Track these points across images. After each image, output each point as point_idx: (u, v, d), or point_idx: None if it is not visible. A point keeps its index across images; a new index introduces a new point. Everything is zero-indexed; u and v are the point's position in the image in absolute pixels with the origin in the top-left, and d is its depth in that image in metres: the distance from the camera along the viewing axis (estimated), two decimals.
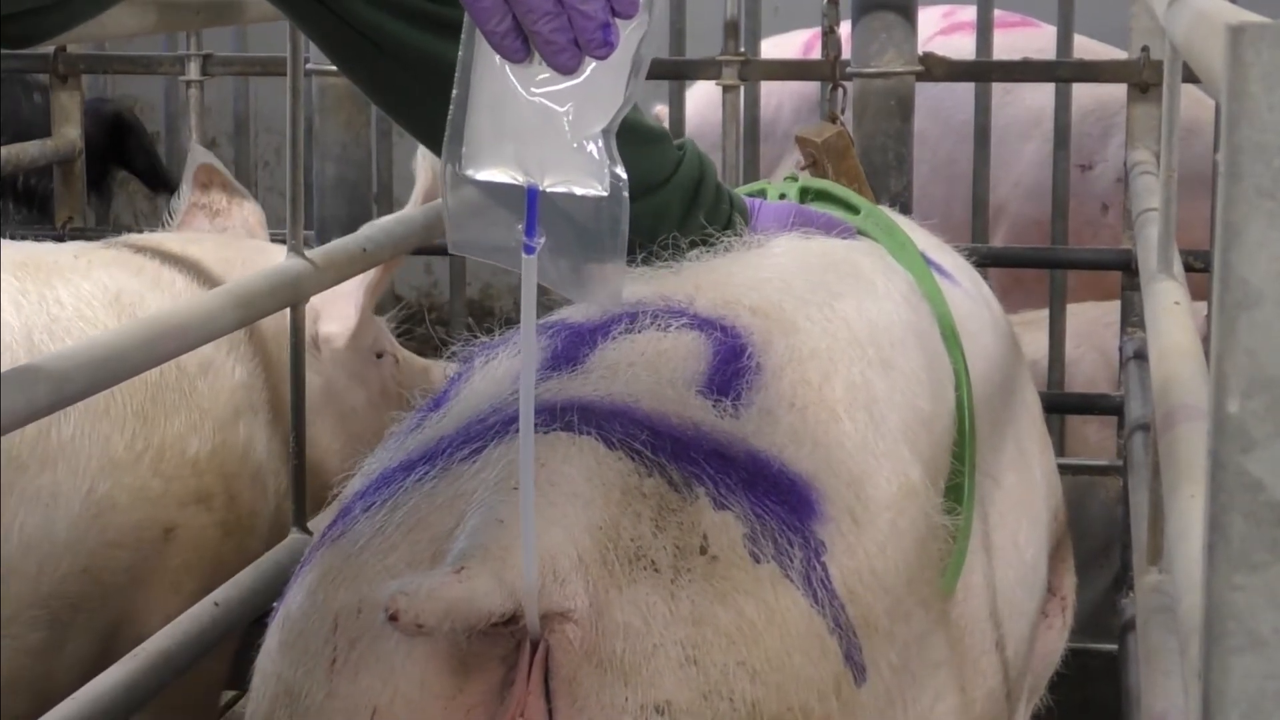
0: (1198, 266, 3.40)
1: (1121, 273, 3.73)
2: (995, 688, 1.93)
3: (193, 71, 4.02)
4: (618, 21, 1.38)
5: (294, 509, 2.65)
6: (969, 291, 2.26)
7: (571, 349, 1.68)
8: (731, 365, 1.66)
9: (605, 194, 1.38)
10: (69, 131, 4.11)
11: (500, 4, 1.37)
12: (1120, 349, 3.74)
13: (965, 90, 4.22)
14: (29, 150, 4.07)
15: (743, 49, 3.83)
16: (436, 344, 3.11)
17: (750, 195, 2.26)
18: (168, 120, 4.72)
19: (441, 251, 4.15)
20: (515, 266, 1.38)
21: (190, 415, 2.69)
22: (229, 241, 3.07)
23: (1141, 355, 3.35)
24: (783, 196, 2.27)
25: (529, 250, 1.37)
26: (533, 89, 1.39)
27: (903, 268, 2.09)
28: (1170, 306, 1.95)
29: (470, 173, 1.40)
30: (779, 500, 1.51)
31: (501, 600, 1.33)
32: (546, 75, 1.39)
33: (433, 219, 3.03)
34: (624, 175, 1.38)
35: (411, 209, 3.01)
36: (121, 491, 2.61)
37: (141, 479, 2.64)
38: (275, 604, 1.60)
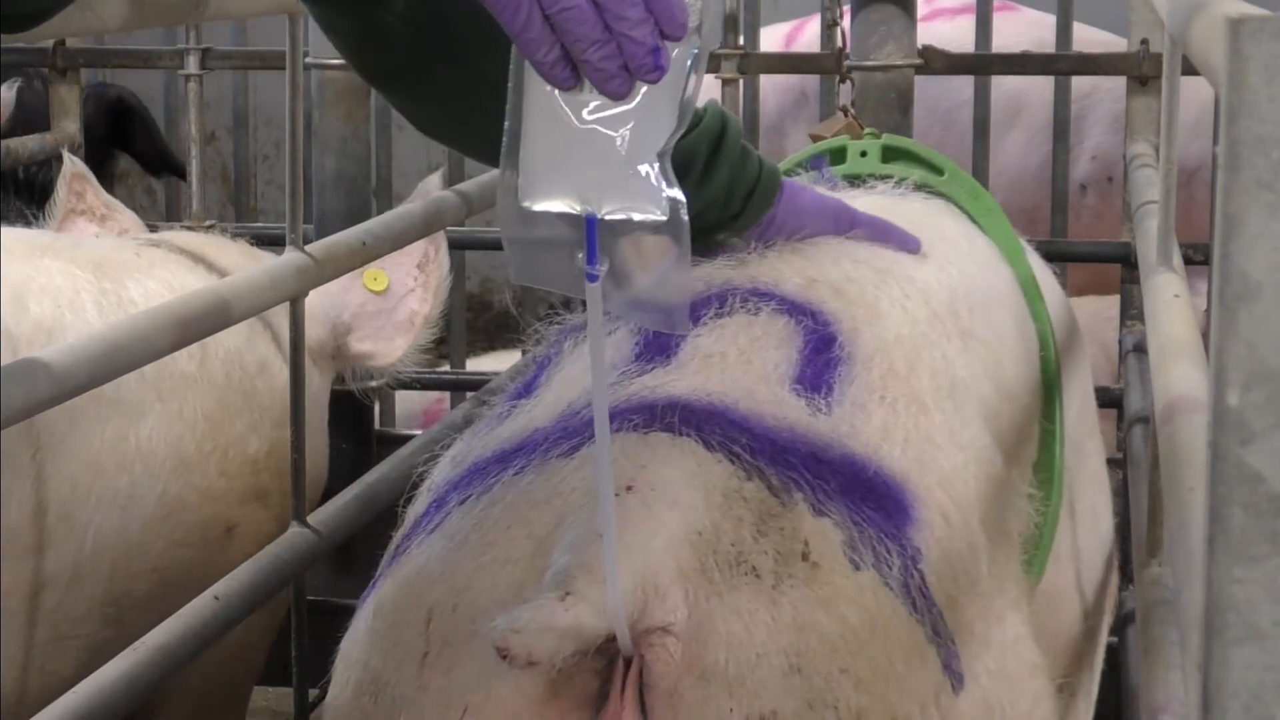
0: (1197, 259, 3.41)
1: (1120, 265, 3.73)
2: (1082, 654, 1.92)
3: (192, 65, 4.01)
4: (667, 44, 1.37)
5: (293, 503, 2.66)
6: (1039, 262, 2.25)
7: (663, 337, 1.66)
8: (822, 355, 1.65)
9: (664, 218, 1.36)
10: (68, 125, 4.11)
11: (548, 34, 1.35)
12: (1120, 342, 3.74)
13: (951, 77, 4.21)
14: (28, 144, 4.07)
15: (742, 42, 3.83)
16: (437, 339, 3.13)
17: (831, 151, 2.23)
18: (167, 114, 4.72)
19: None
20: (579, 294, 1.38)
21: (251, 415, 2.76)
22: (249, 250, 3.10)
23: (1141, 348, 3.35)
24: (864, 154, 2.25)
25: (592, 278, 1.36)
26: (585, 116, 1.38)
27: (986, 231, 2.07)
28: (1170, 299, 1.95)
29: (528, 204, 1.39)
30: (876, 507, 1.49)
31: (608, 624, 1.32)
32: (598, 102, 1.37)
33: (431, 213, 3.03)
34: (681, 198, 1.37)
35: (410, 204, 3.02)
36: (191, 492, 2.69)
37: (209, 479, 2.71)
38: (362, 595, 1.58)
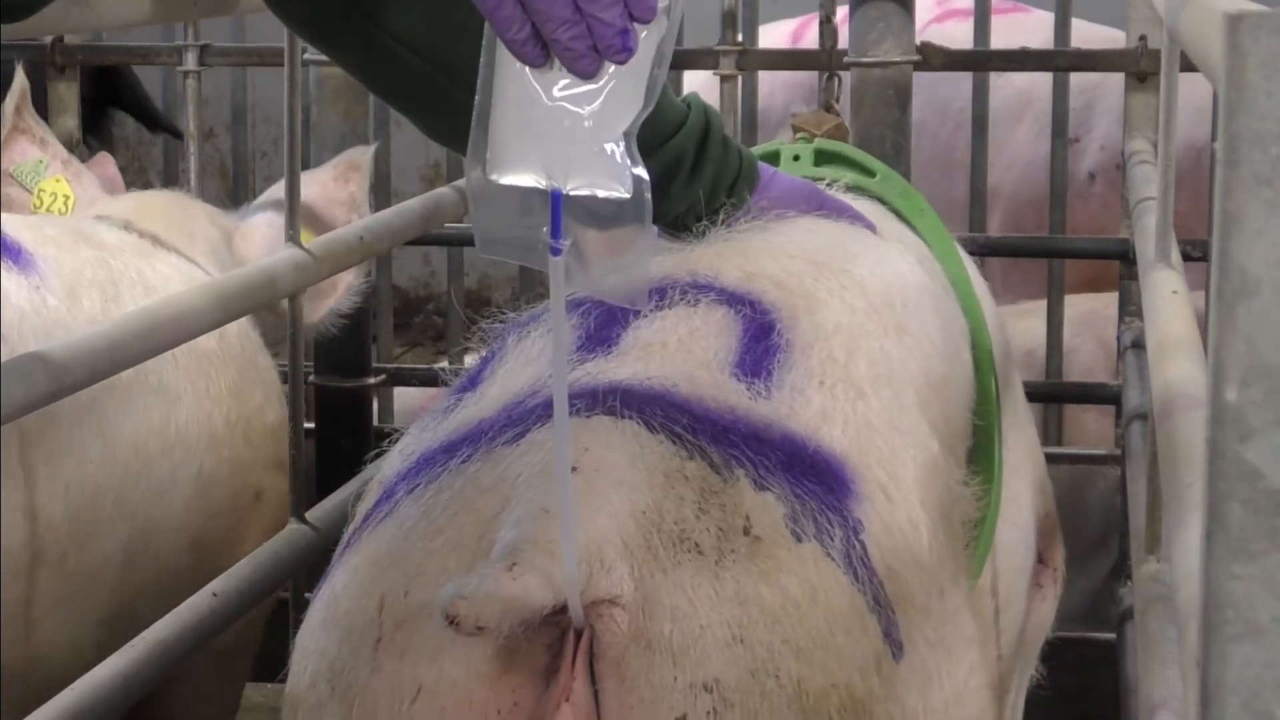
0: (1195, 255, 3.41)
1: (1119, 262, 3.74)
2: (1005, 642, 1.94)
3: (190, 62, 4.01)
4: (636, 26, 1.40)
5: (291, 499, 2.66)
6: (969, 261, 2.28)
7: (603, 328, 1.69)
8: (761, 343, 1.67)
9: (627, 196, 1.40)
10: (67, 122, 4.10)
11: (519, 13, 1.38)
12: (1118, 338, 3.74)
13: (961, 76, 4.21)
14: None
15: (740, 38, 3.83)
16: (435, 335, 3.13)
17: (764, 156, 2.25)
18: (165, 111, 4.72)
19: (439, 242, 4.15)
20: (542, 267, 1.41)
21: (265, 386, 2.84)
22: (212, 212, 3.14)
23: (1139, 344, 3.35)
24: (796, 158, 2.27)
25: (555, 252, 1.39)
26: (554, 93, 1.41)
27: (919, 231, 2.10)
28: (1168, 295, 1.95)
29: (495, 177, 1.42)
30: (816, 480, 1.53)
31: (554, 595, 1.35)
32: (567, 80, 1.41)
33: (430, 209, 3.03)
34: (645, 176, 1.40)
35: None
36: (222, 465, 2.78)
37: (236, 450, 2.80)
38: (314, 590, 1.61)
